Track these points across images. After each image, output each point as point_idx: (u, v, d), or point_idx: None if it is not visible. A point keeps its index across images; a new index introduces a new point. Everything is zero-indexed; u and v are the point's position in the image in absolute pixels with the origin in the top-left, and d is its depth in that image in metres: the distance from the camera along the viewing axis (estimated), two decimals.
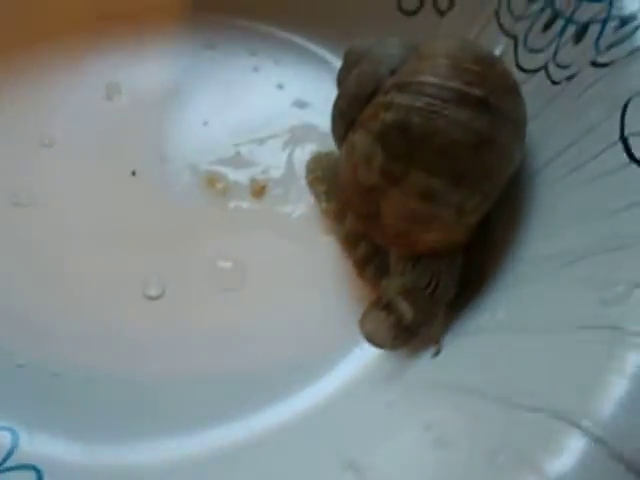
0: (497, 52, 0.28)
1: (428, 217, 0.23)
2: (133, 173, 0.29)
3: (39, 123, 0.30)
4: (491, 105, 0.23)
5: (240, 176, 0.29)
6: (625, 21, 0.23)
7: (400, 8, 0.31)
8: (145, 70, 0.32)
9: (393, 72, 0.24)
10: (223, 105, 0.31)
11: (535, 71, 0.26)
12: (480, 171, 0.23)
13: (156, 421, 0.24)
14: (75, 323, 0.25)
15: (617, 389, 0.16)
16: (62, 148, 0.30)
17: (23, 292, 0.26)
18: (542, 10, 0.26)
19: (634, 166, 0.21)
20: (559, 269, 0.21)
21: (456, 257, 0.24)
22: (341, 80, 0.26)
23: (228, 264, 0.27)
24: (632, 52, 0.23)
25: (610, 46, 0.23)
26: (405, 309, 0.23)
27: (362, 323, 0.24)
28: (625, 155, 0.21)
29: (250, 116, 0.31)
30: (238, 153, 0.30)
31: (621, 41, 0.23)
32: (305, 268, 0.27)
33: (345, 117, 0.25)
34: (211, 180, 0.28)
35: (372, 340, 0.24)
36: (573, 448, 0.16)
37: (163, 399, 0.24)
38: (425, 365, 0.23)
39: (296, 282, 0.27)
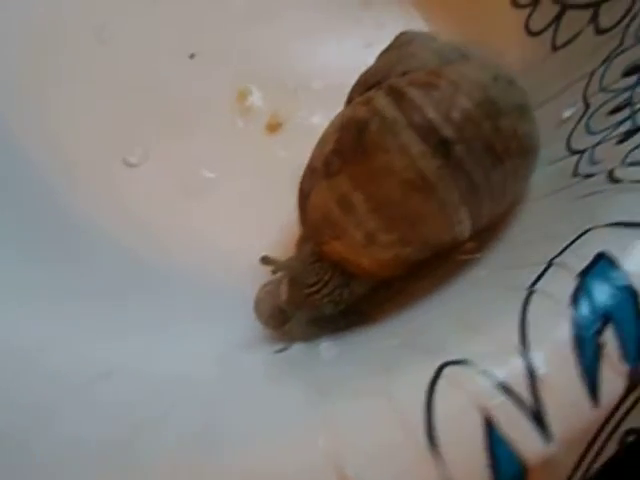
0: (567, 114, 0.24)
1: (338, 226, 0.21)
2: (192, 56, 0.30)
3: None
4: (453, 154, 0.20)
5: (270, 105, 0.29)
6: None
7: (527, 24, 0.27)
8: None
9: (406, 73, 0.22)
10: (312, 38, 0.30)
11: (575, 152, 0.22)
12: (403, 212, 0.20)
13: None
14: None
15: None
16: None
17: None
18: (624, 90, 0.22)
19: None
20: None
21: (357, 284, 0.22)
22: (376, 60, 0.24)
23: (211, 174, 0.28)
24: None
25: (633, 163, 0.19)
26: (282, 292, 0.23)
27: (259, 289, 0.24)
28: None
29: (325, 60, 0.30)
30: (283, 84, 0.29)
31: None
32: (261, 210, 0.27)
33: (350, 95, 0.24)
34: (243, 94, 0.29)
35: (255, 309, 0.23)
36: None
37: None
38: (266, 355, 0.22)
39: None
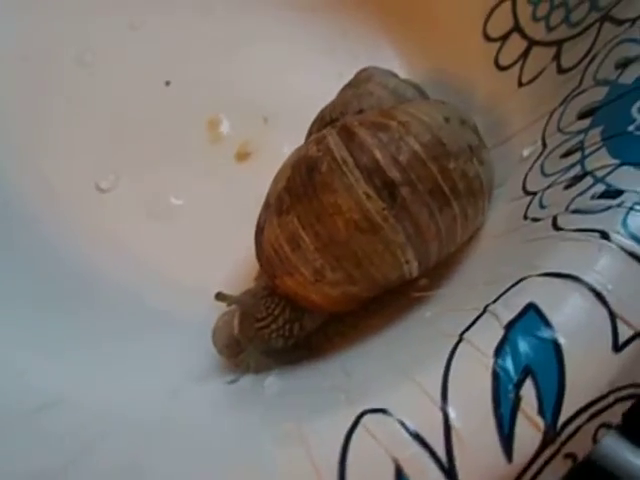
0: (526, 153, 0.24)
1: (289, 262, 0.22)
2: (167, 83, 0.30)
3: None
4: (398, 197, 0.20)
5: (240, 134, 0.29)
6: (607, 194, 0.18)
7: (496, 59, 0.27)
8: None
9: (361, 111, 0.22)
10: (285, 68, 0.31)
11: (528, 194, 0.22)
12: (350, 253, 0.21)
13: None
14: None
15: None
16: None
17: None
18: (578, 133, 0.21)
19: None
20: None
21: (308, 318, 0.23)
22: (337, 96, 0.25)
23: (178, 201, 0.28)
24: (580, 231, 0.18)
25: (576, 211, 0.19)
26: (234, 325, 0.23)
27: (218, 319, 0.24)
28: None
29: (297, 90, 0.30)
30: (255, 114, 0.29)
31: (586, 212, 0.19)
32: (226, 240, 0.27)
33: (309, 131, 0.24)
34: (214, 122, 0.29)
35: (212, 337, 0.24)
36: None
37: None
38: (220, 385, 0.23)
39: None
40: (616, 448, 0.23)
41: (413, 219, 0.20)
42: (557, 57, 0.24)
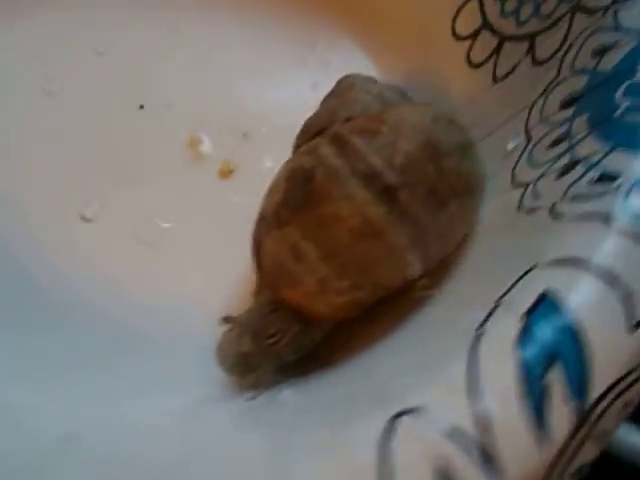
0: (511, 146, 0.24)
1: (292, 274, 0.21)
2: (141, 107, 0.30)
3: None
4: (398, 199, 0.20)
5: (221, 151, 0.29)
6: (603, 178, 0.19)
7: (468, 56, 0.28)
8: None
9: (349, 119, 0.22)
10: (259, 82, 0.31)
11: (519, 185, 0.23)
12: (354, 259, 0.21)
13: None
14: None
15: None
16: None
17: None
18: (564, 122, 0.22)
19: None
20: None
21: (315, 329, 0.23)
22: (320, 105, 0.25)
23: (165, 224, 0.28)
24: (581, 216, 0.19)
25: (574, 197, 0.19)
26: (245, 344, 0.23)
27: (221, 338, 0.24)
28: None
29: (273, 103, 0.30)
30: (233, 131, 0.29)
31: (585, 197, 0.19)
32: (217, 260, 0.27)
33: (295, 143, 0.24)
34: (194, 142, 0.29)
35: (217, 359, 0.23)
36: None
37: None
38: (236, 405, 0.22)
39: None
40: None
41: (414, 221, 0.20)
42: (531, 50, 0.25)
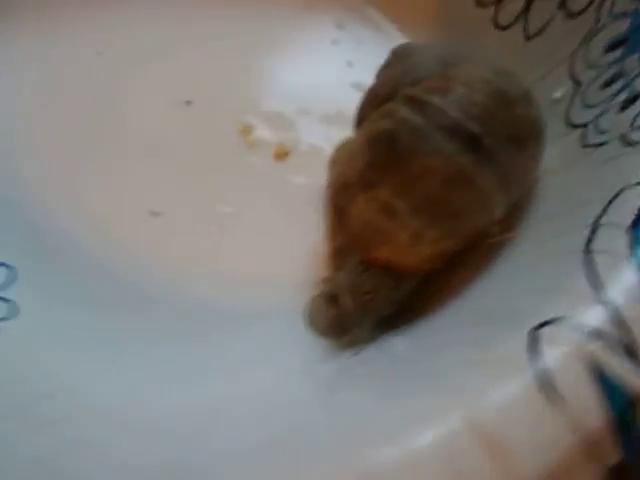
0: (558, 95, 0.26)
1: (384, 232, 0.23)
2: (188, 103, 0.31)
3: None
4: (483, 146, 0.22)
5: (274, 136, 0.30)
6: None
7: (495, 20, 0.30)
8: None
9: (415, 83, 0.24)
10: (298, 66, 0.32)
11: (577, 127, 0.24)
12: (446, 207, 0.22)
13: None
14: None
15: None
16: None
17: None
18: (613, 64, 0.24)
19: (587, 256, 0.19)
20: None
21: (405, 282, 0.24)
22: (377, 76, 0.26)
23: (227, 208, 0.29)
24: None
25: None
26: (347, 303, 0.24)
27: (307, 307, 0.25)
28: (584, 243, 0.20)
29: (315, 84, 0.31)
30: (281, 114, 0.31)
31: None
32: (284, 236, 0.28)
33: (360, 113, 0.25)
34: (246, 130, 0.30)
35: (310, 324, 0.25)
36: None
37: None
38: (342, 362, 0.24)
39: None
40: None
41: (498, 164, 0.22)
42: (563, 5, 0.27)
